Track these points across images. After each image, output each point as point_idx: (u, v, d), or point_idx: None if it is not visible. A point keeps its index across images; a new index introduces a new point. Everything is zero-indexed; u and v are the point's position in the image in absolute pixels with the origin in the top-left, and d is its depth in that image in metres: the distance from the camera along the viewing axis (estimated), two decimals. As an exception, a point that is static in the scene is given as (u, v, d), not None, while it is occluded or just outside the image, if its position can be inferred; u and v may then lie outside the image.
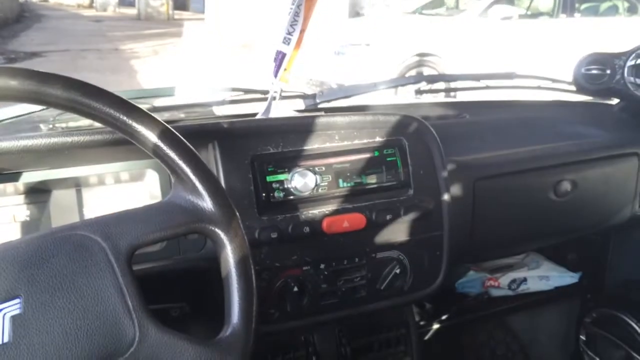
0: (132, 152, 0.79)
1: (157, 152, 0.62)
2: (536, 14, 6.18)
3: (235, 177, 0.84)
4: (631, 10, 6.29)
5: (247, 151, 0.86)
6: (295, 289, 0.88)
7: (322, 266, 0.91)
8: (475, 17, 5.54)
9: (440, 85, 1.51)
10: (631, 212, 1.27)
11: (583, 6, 6.11)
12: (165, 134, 0.62)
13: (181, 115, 1.18)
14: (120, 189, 0.87)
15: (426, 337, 1.44)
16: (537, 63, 4.81)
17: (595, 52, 1.30)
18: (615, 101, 1.45)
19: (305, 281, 0.89)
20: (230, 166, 0.84)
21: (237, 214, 0.64)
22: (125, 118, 0.60)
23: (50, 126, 1.06)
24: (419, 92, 1.40)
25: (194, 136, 0.79)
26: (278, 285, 0.87)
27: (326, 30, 5.16)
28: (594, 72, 1.29)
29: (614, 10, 6.26)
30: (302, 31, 0.94)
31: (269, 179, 0.86)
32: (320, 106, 1.31)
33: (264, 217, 0.85)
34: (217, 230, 0.63)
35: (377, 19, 6.36)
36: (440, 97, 1.53)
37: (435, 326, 1.45)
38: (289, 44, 0.92)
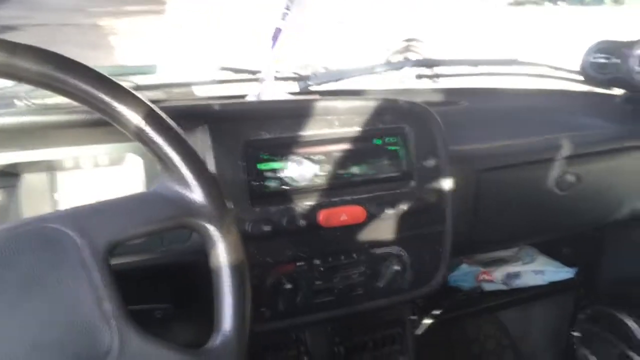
0: (113, 134, 0.71)
1: (141, 137, 0.55)
2: (522, 2, 6.15)
3: (226, 164, 0.77)
4: (617, 1, 6.30)
5: (239, 136, 0.78)
6: (289, 286, 0.81)
7: (317, 262, 0.84)
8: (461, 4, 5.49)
9: (437, 70, 1.43)
10: (634, 207, 1.23)
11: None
12: (150, 116, 0.54)
13: (164, 95, 1.09)
14: (99, 174, 0.79)
15: (417, 333, 1.39)
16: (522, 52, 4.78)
17: (604, 39, 1.24)
18: (618, 92, 1.41)
19: (299, 278, 0.83)
20: (221, 152, 0.77)
21: (231, 207, 0.57)
22: (105, 97, 0.52)
23: (25, 102, 0.97)
24: (419, 76, 1.33)
25: (183, 119, 0.72)
26: (270, 282, 0.81)
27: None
28: (602, 60, 1.23)
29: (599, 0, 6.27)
30: (301, 6, 0.86)
31: (262, 167, 0.79)
32: (313, 89, 1.24)
33: (256, 208, 0.78)
34: (208, 225, 0.56)
35: None
36: (438, 83, 1.46)
37: (427, 321, 1.40)
38: (284, 19, 0.84)
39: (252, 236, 0.77)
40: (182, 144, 0.56)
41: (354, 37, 4.99)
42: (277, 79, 1.14)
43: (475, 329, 1.59)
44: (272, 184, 0.79)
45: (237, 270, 0.56)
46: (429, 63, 1.47)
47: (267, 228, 0.77)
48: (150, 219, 0.54)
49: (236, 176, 0.77)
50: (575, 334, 1.49)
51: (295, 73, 1.22)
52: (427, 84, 1.48)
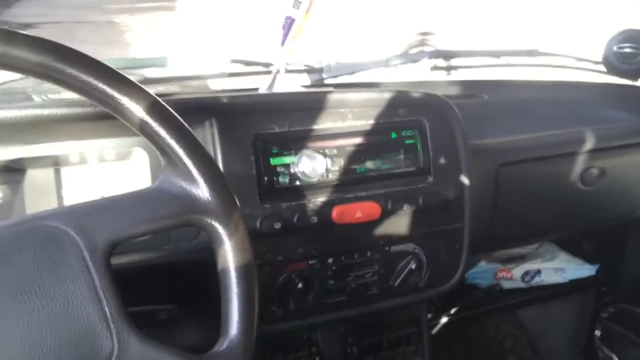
0: (119, 128, 0.68)
1: (144, 129, 0.52)
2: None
3: (235, 159, 0.74)
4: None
5: (249, 130, 0.75)
6: (300, 285, 0.78)
7: (330, 260, 0.81)
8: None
9: (456, 62, 1.39)
10: (660, 203, 1.18)
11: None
12: (154, 108, 0.52)
13: (175, 88, 1.07)
14: (105, 169, 0.77)
15: (433, 332, 1.36)
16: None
17: (629, 28, 1.19)
18: (642, 83, 1.35)
19: (311, 277, 0.80)
20: (229, 147, 0.74)
21: (238, 204, 0.54)
22: (107, 88, 0.50)
23: (37, 96, 0.95)
24: (435, 68, 1.29)
25: (189, 112, 0.69)
26: (281, 280, 0.78)
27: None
28: (627, 50, 1.18)
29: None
30: (313, -4, 0.83)
31: (273, 161, 0.76)
32: (326, 82, 1.21)
33: (266, 204, 0.75)
34: (214, 223, 0.53)
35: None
36: (456, 75, 1.42)
37: (444, 320, 1.36)
38: (299, 7, 0.81)
39: (262, 233, 0.75)
40: (188, 137, 0.53)
41: (369, 30, 4.94)
42: (289, 71, 1.11)
43: (493, 327, 1.56)
44: (283, 179, 0.76)
45: (244, 271, 0.53)
46: (446, 55, 1.43)
47: (277, 225, 0.74)
48: (153, 217, 0.51)
49: (245, 171, 0.74)
50: (597, 332, 1.44)
51: (307, 65, 1.18)
52: (444, 76, 1.44)
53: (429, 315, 1.37)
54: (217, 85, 1.11)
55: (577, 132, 1.08)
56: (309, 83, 1.21)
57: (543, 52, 1.38)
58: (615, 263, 1.47)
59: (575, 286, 1.44)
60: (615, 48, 1.21)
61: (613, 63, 1.21)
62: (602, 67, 1.28)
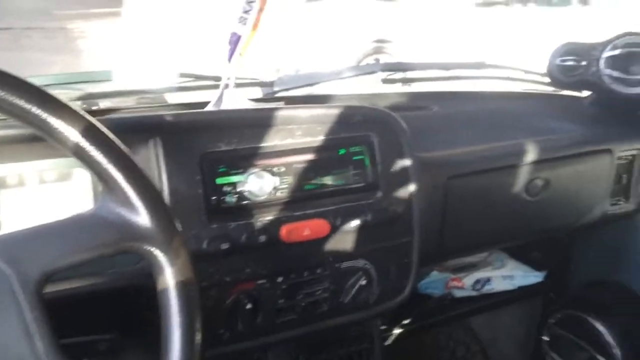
0: (59, 149, 0.67)
1: (80, 154, 0.50)
2: (492, 3, 6.20)
3: (181, 179, 0.73)
4: (583, 1, 6.41)
5: (195, 149, 0.74)
6: (249, 305, 0.77)
7: (279, 279, 0.80)
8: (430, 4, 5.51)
9: (406, 74, 1.41)
10: (603, 211, 1.22)
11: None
12: (89, 132, 0.50)
13: (121, 103, 1.04)
14: (45, 191, 0.74)
15: (386, 343, 1.36)
16: (494, 51, 4.81)
17: (570, 41, 1.24)
18: (585, 94, 1.40)
19: (259, 296, 0.79)
20: (175, 166, 0.73)
21: (180, 229, 0.53)
22: (38, 111, 0.48)
23: None
24: (386, 81, 1.30)
25: (132, 131, 0.68)
26: (229, 302, 0.76)
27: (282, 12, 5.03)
28: (569, 63, 1.23)
29: (566, 0, 6.35)
30: (261, 10, 0.82)
31: (220, 181, 0.75)
32: (279, 95, 1.21)
33: (213, 225, 0.74)
34: (154, 250, 0.52)
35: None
36: (406, 87, 1.44)
37: (397, 331, 1.37)
38: (245, 23, 0.80)
39: (210, 254, 0.73)
40: (125, 161, 0.52)
41: (325, 40, 4.96)
42: (239, 85, 1.10)
43: (445, 336, 1.58)
44: (231, 198, 0.75)
45: (186, 299, 0.51)
46: (398, 67, 1.45)
47: (225, 245, 0.73)
48: (89, 245, 0.49)
49: (192, 191, 0.73)
50: (545, 338, 1.48)
51: (258, 79, 1.18)
52: (395, 88, 1.46)
53: (383, 327, 1.38)
54: (166, 99, 1.09)
55: (521, 144, 1.10)
56: (260, 96, 1.20)
57: (490, 64, 1.41)
58: (561, 270, 1.51)
59: (524, 293, 1.48)
60: (557, 61, 1.25)
61: (556, 75, 1.25)
62: (547, 79, 1.33)
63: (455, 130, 1.18)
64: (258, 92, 1.22)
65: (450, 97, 1.43)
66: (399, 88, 1.43)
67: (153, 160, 0.72)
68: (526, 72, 1.41)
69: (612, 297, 1.39)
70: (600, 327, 1.34)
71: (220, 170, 0.75)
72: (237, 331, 0.78)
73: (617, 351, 1.30)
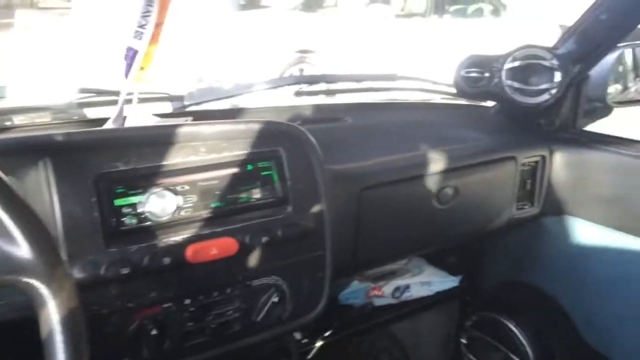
0: None
1: None
2: (410, 14, 6.40)
3: (75, 201, 0.69)
4: (495, 13, 6.76)
5: (89, 169, 0.70)
6: (154, 331, 0.74)
7: (187, 301, 0.77)
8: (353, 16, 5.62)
9: (321, 86, 1.42)
10: (510, 215, 1.27)
11: (452, 8, 6.45)
12: None
13: (15, 121, 0.97)
14: None
15: (309, 356, 1.35)
16: (411, 62, 4.96)
17: (474, 54, 1.28)
18: (490, 104, 1.46)
19: (166, 321, 0.76)
20: (68, 188, 0.68)
21: (63, 260, 0.50)
22: None
23: None
24: (298, 93, 1.30)
25: (19, 152, 0.63)
26: (132, 328, 0.73)
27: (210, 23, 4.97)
28: (473, 74, 1.27)
29: (480, 12, 6.67)
30: (159, 24, 0.79)
31: (118, 202, 0.71)
32: (189, 109, 1.17)
33: (112, 249, 0.70)
34: (34, 282, 0.48)
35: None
36: (321, 99, 1.45)
37: (319, 343, 1.37)
38: (141, 38, 0.77)
39: (109, 280, 0.69)
40: (2, 190, 0.48)
41: (250, 51, 4.94)
42: (145, 100, 1.07)
43: (369, 344, 1.59)
44: (130, 220, 0.72)
45: (71, 332, 0.48)
46: (312, 79, 1.45)
47: (125, 270, 0.70)
48: None
49: (87, 214, 0.69)
50: (462, 340, 1.52)
51: (167, 93, 1.14)
52: (311, 99, 1.46)
53: (304, 340, 1.37)
54: (66, 116, 1.04)
55: (433, 154, 1.13)
56: (170, 111, 1.17)
57: (402, 76, 1.45)
58: (475, 274, 1.57)
59: (441, 298, 1.52)
60: (463, 72, 1.29)
61: (461, 86, 1.30)
62: (454, 90, 1.37)
63: (368, 141, 1.19)
64: (168, 107, 1.18)
65: (365, 109, 1.46)
66: (314, 100, 1.43)
67: (43, 183, 0.68)
68: (436, 83, 1.45)
69: (522, 298, 1.45)
70: (512, 327, 1.39)
71: (118, 191, 0.71)
72: (142, 358, 0.74)
73: (528, 350, 1.36)
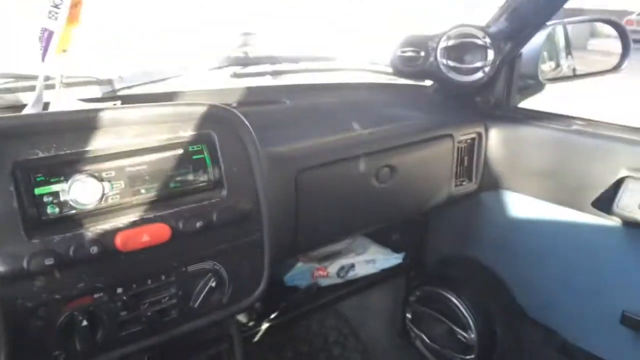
0: None
1: None
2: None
3: None
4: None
5: (6, 157, 0.66)
6: (85, 322, 0.71)
7: (119, 290, 0.75)
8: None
9: (260, 68, 1.39)
10: (449, 192, 1.30)
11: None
12: None
13: None
14: None
15: (256, 339, 1.35)
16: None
17: (411, 34, 1.29)
18: (429, 83, 1.48)
19: (98, 311, 0.73)
20: None
21: None
22: None
23: None
24: (236, 75, 1.28)
25: None
26: (61, 321, 0.70)
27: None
28: (409, 54, 1.28)
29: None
30: (77, 3, 0.76)
31: (38, 191, 0.68)
32: (120, 93, 1.13)
33: (34, 240, 0.67)
34: None
35: None
36: (259, 81, 1.42)
37: (265, 325, 1.37)
38: (56, 19, 0.73)
39: (32, 272, 0.67)
40: None
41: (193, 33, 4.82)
42: (71, 84, 1.02)
43: (317, 323, 1.60)
44: (52, 209, 0.69)
45: None
46: (247, 61, 1.42)
47: (49, 261, 0.67)
48: None
49: (5, 205, 0.66)
50: (408, 315, 1.55)
51: (95, 77, 1.10)
52: (248, 82, 1.43)
53: (251, 323, 1.36)
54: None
55: (368, 134, 1.13)
56: (99, 96, 1.12)
57: (341, 57, 1.44)
58: (418, 249, 1.60)
59: (386, 275, 1.54)
60: (399, 52, 1.30)
61: (397, 66, 1.31)
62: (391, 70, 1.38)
63: (306, 123, 1.18)
64: (97, 92, 1.13)
65: (304, 90, 1.45)
66: (251, 82, 1.41)
67: None
68: (374, 63, 1.45)
69: (462, 271, 1.49)
70: (454, 300, 1.43)
71: (38, 179, 0.68)
72: (74, 351, 0.72)
73: (470, 320, 1.40)
